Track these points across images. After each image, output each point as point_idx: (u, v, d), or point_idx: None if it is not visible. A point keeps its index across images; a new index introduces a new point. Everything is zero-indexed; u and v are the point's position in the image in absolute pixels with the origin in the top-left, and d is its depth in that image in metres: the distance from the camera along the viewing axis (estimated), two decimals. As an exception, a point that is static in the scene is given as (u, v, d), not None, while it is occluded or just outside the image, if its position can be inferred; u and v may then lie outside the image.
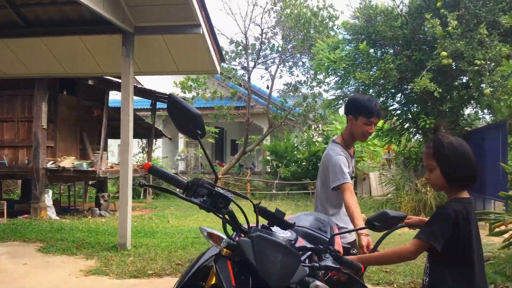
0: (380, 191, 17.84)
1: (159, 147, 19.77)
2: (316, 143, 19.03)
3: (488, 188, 10.60)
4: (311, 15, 17.28)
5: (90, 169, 11.04)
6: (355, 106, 3.14)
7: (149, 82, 16.05)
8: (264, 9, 18.06)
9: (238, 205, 1.81)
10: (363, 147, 19.77)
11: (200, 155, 20.85)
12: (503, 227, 5.97)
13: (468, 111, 13.57)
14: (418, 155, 15.11)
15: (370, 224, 2.01)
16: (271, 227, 1.83)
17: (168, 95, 1.82)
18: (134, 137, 15.94)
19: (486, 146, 11.06)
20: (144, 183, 1.89)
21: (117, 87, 12.20)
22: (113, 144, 17.64)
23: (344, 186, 2.97)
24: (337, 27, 18.44)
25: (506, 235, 6.03)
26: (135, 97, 14.62)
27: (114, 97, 13.12)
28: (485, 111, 13.63)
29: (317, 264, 1.84)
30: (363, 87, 12.79)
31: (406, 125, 14.07)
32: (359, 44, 12.29)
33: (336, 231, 2.64)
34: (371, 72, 12.06)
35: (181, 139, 21.78)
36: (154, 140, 16.11)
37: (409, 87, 11.32)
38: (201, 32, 7.45)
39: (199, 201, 1.79)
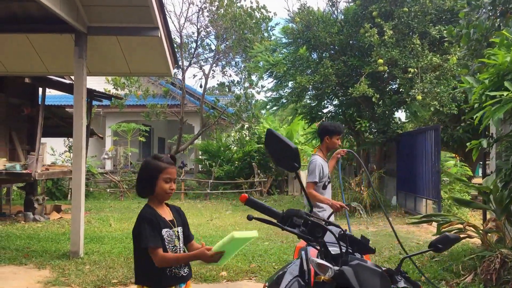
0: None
1: (86, 146, 18.95)
2: (249, 142, 19.23)
3: (419, 188, 11.38)
4: (246, 16, 17.46)
5: (24, 171, 10.40)
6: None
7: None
8: (200, 8, 17.91)
9: (333, 234, 1.92)
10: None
11: (130, 153, 20.27)
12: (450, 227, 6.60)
13: (397, 114, 14.50)
14: (349, 155, 15.88)
15: (435, 246, 2.19)
16: (354, 253, 1.98)
17: (267, 130, 1.89)
18: (63, 136, 15.31)
19: (416, 148, 11.82)
20: (252, 216, 1.92)
21: (50, 84, 11.62)
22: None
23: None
24: (270, 29, 18.84)
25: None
26: (65, 94, 14.02)
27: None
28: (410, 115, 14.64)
29: (395, 286, 2.01)
30: (298, 90, 13.16)
31: (340, 127, 14.69)
32: (299, 49, 12.67)
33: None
34: (311, 76, 12.47)
35: (109, 137, 21.05)
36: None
37: (348, 91, 11.84)
38: (159, 35, 7.34)
39: (298, 231, 1.89)
